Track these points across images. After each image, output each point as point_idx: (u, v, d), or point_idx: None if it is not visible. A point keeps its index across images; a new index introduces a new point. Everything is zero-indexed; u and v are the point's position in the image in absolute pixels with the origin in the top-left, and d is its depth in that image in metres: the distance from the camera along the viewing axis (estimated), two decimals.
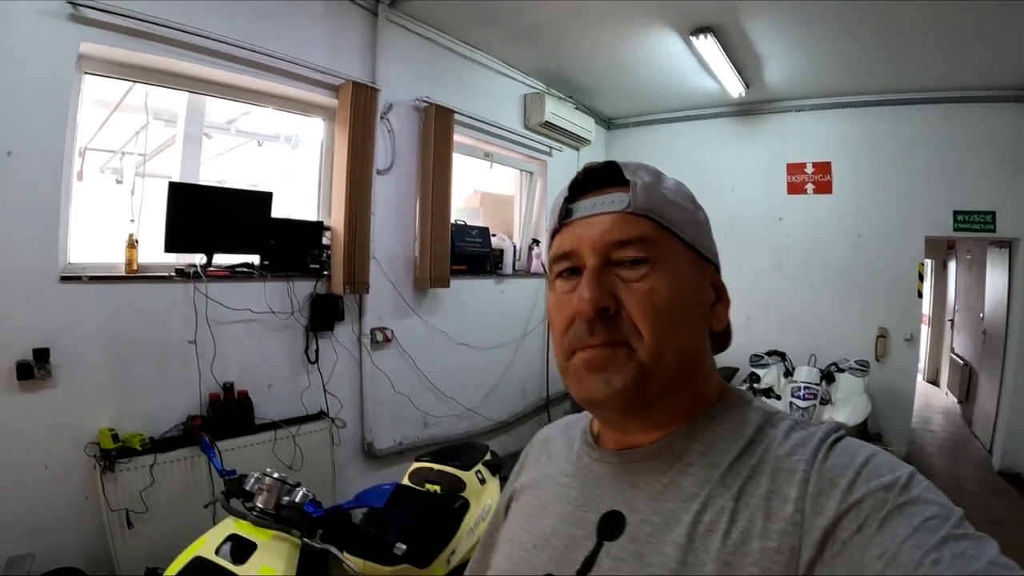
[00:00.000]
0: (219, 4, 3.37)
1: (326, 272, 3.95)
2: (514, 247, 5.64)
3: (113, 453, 2.89)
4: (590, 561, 0.67)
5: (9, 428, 2.74)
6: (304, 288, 3.87)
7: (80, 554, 2.92)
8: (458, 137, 4.76)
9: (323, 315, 3.93)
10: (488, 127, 5.08)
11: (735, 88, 5.27)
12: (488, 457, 2.97)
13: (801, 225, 5.90)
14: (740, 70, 4.95)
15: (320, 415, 3.86)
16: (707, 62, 4.75)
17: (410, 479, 2.83)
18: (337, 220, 3.96)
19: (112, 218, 3.50)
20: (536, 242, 5.74)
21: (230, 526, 1.90)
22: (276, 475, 1.97)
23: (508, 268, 5.41)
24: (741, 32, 4.30)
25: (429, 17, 4.39)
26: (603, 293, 0.67)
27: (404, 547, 1.96)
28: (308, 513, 1.90)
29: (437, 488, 2.76)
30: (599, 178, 0.74)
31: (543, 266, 6.15)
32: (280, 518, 1.88)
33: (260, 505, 1.90)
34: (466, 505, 2.69)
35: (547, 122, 5.42)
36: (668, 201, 0.72)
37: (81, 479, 2.91)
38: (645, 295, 0.67)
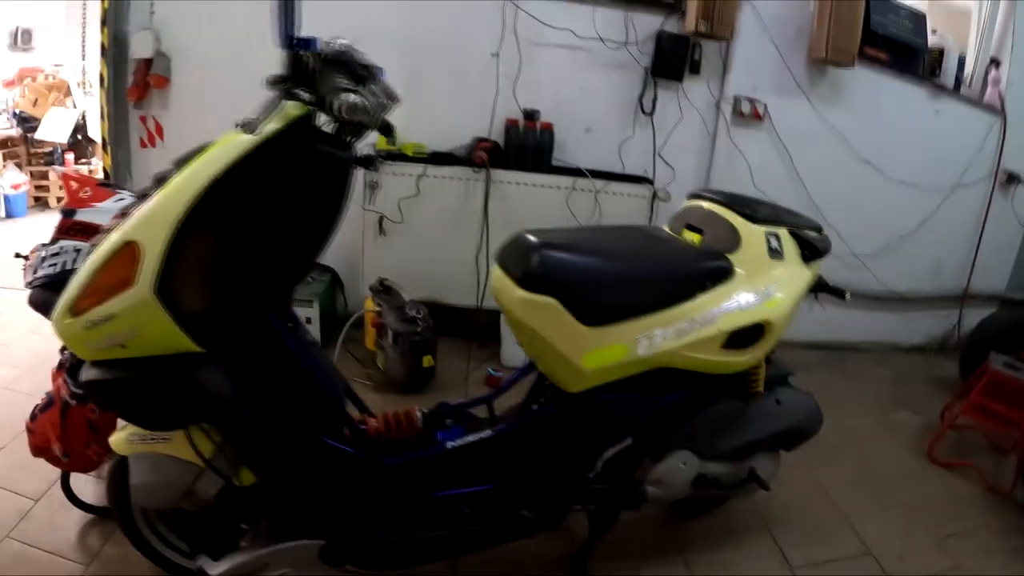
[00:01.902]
0: None
1: (681, 8, 2.91)
2: (960, 59, 3.81)
3: (383, 154, 2.70)
4: None
5: None
6: (649, 22, 2.92)
7: (332, 253, 2.69)
8: None
9: (671, 60, 2.94)
10: None
11: None
12: (809, 231, 1.67)
13: None
14: None
15: (641, 179, 2.93)
16: None
17: (670, 223, 1.80)
18: None
19: None
20: (996, 62, 3.81)
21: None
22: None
23: (949, 80, 3.64)
24: None
25: None
26: None
27: (539, 251, 1.38)
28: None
29: (696, 239, 1.67)
30: None
31: (1000, 97, 4.21)
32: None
33: None
34: (721, 273, 1.51)
35: None
36: None
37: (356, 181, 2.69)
38: None
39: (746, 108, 3.01)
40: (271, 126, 1.15)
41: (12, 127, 5.58)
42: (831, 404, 2.99)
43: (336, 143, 1.24)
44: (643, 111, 2.94)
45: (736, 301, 1.48)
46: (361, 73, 1.22)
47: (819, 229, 1.70)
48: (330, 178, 1.26)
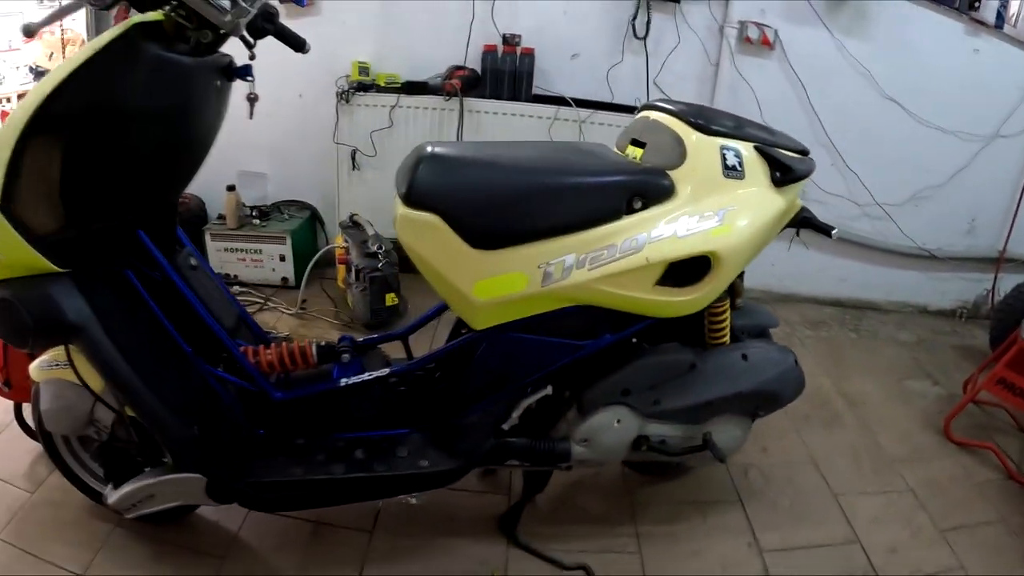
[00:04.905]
0: None
1: None
2: None
3: (355, 86, 2.63)
4: None
5: (272, 53, 2.60)
6: None
7: (311, 189, 3.02)
8: None
9: None
10: None
11: None
12: (785, 151, 1.35)
13: None
14: None
15: (631, 108, 2.70)
16: None
17: (618, 140, 1.52)
18: None
19: None
20: None
21: None
22: None
23: (990, 16, 3.30)
24: None
25: None
26: None
27: (425, 161, 1.19)
28: None
29: (638, 154, 1.39)
30: None
31: None
32: None
33: None
34: (654, 191, 1.25)
35: None
36: None
37: (328, 114, 2.70)
38: None
39: (754, 34, 2.73)
40: (113, 31, 1.04)
41: (30, 81, 5.63)
42: (839, 366, 2.74)
43: (198, 51, 1.16)
44: (636, 35, 2.71)
45: (672, 227, 1.23)
46: None
47: (805, 152, 1.42)
48: (183, 84, 1.14)
